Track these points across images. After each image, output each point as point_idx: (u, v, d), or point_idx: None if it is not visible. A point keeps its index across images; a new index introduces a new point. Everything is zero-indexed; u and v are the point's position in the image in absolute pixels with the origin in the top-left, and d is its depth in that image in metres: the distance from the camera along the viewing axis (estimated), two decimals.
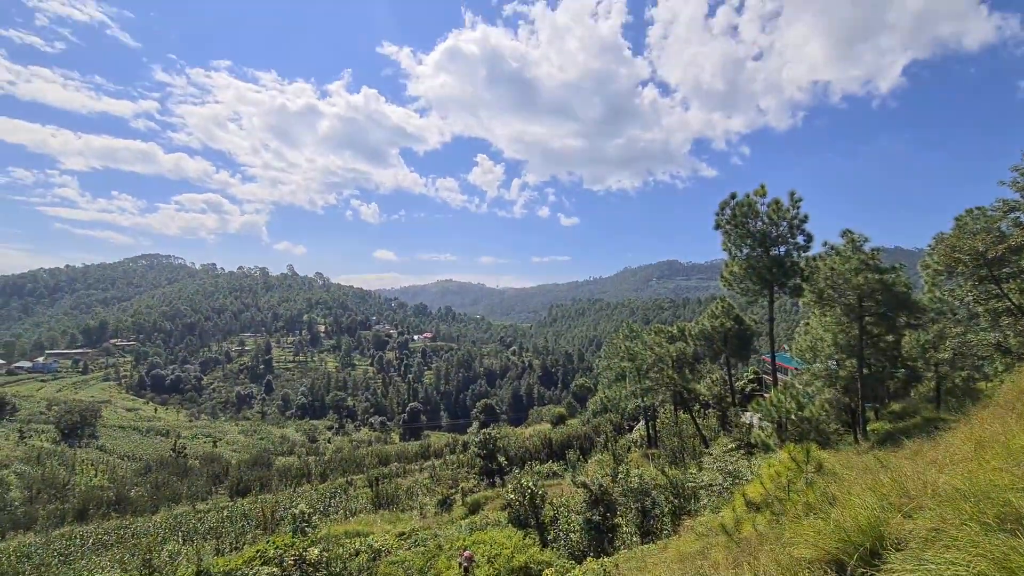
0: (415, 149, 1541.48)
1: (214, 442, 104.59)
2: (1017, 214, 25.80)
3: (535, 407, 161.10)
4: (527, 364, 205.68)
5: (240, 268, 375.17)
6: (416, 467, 57.23)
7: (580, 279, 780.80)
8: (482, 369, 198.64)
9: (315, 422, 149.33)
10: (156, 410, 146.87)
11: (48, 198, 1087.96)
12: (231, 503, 45.73)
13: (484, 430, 45.99)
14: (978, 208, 28.88)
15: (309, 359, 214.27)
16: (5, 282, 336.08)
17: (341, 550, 18.07)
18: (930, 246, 31.97)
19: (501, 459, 38.42)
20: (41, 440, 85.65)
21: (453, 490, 34.34)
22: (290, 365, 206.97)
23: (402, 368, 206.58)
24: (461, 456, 55.88)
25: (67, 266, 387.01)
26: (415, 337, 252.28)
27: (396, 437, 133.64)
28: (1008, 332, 25.69)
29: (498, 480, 37.40)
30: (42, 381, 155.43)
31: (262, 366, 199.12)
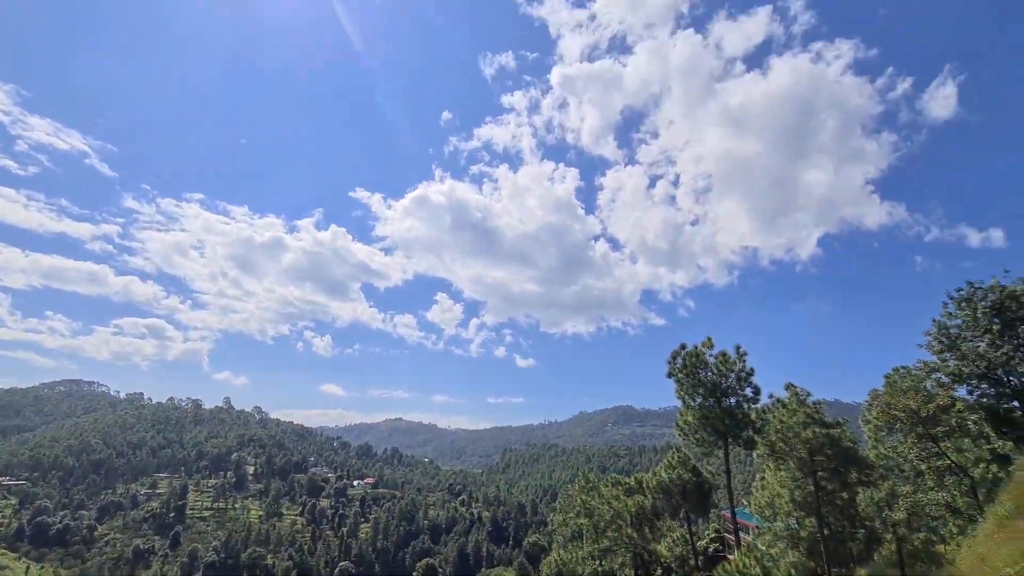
0: (377, 285, 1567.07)
1: None
2: (938, 375, 28.01)
3: (483, 568, 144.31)
4: (476, 516, 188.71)
5: (170, 399, 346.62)
6: None
7: (535, 422, 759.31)
8: (426, 522, 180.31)
9: None
10: (28, 569, 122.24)
11: None
12: None
13: None
14: (903, 367, 31.28)
15: (230, 506, 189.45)
16: None
17: None
18: (867, 401, 33.73)
19: None
20: None
21: None
22: (206, 513, 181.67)
23: (336, 519, 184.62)
24: None
25: None
26: (355, 483, 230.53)
27: None
28: (955, 492, 26.19)
29: None
30: None
31: (173, 513, 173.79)
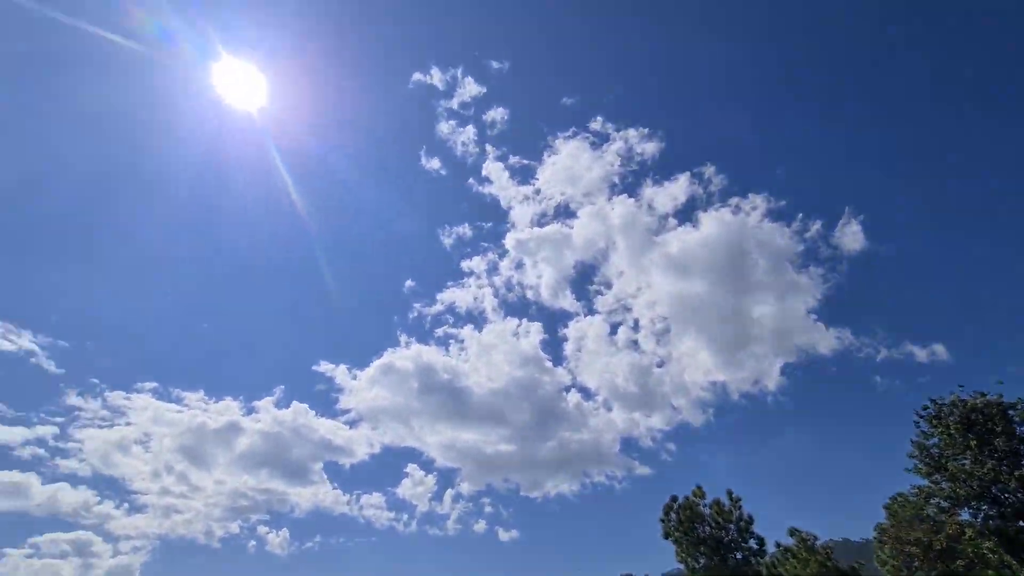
0: (341, 462, 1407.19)
1: None
2: (936, 499, 27.04)
3: None
4: None
5: None
6: None
7: None
8: None
9: None
10: None
11: None
12: None
13: None
14: (900, 495, 30.16)
15: None
16: None
17: None
18: (876, 537, 31.64)
19: None
20: None
21: None
22: None
23: None
24: None
25: None
26: None
27: None
28: None
29: None
30: None
31: None
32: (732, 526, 28.76)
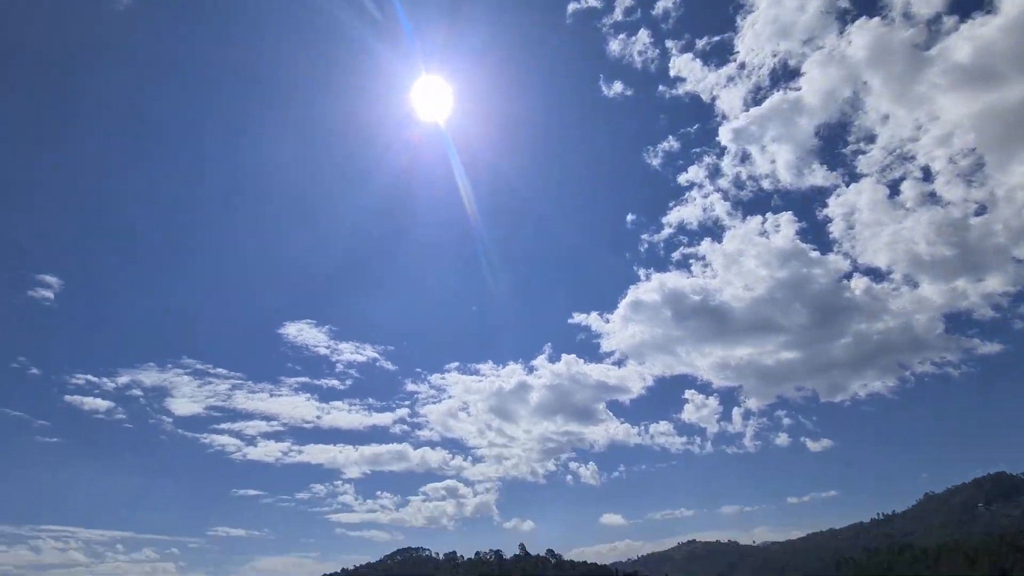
0: (620, 400, 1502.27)
1: None
2: None
3: None
4: None
5: (477, 554, 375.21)
6: None
7: (865, 519, 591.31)
8: None
9: None
10: None
11: (334, 506, 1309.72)
12: None
13: None
14: None
15: None
16: None
17: None
18: None
19: None
20: None
21: None
22: None
23: None
24: None
25: (343, 569, 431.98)
26: None
27: None
28: None
29: None
30: None
31: None
32: None
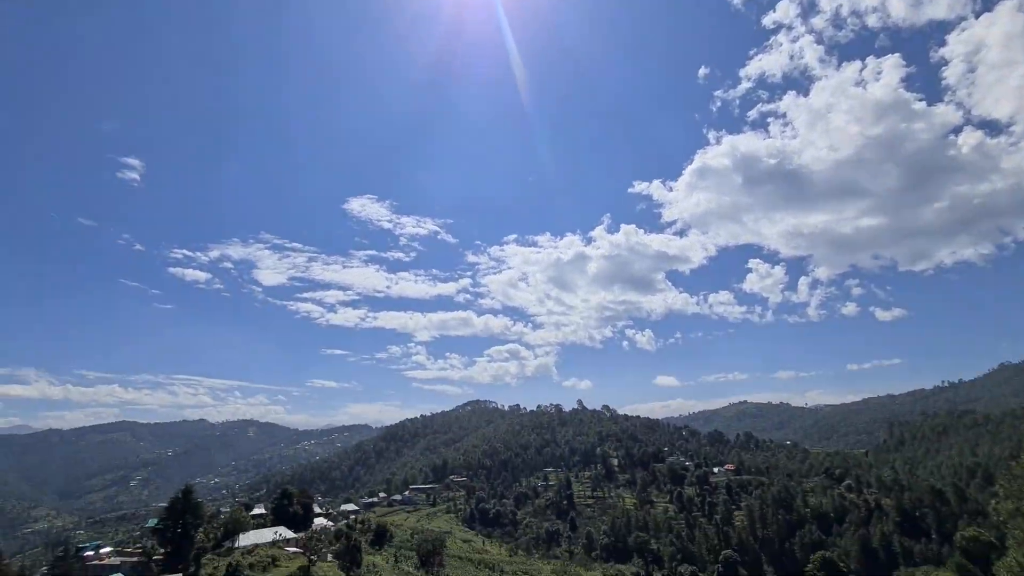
0: (680, 269, 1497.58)
1: None
2: None
3: (901, 566, 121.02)
4: (873, 505, 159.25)
5: (538, 407, 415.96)
6: None
7: (927, 386, 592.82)
8: (808, 510, 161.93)
9: (620, 566, 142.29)
10: (484, 543, 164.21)
11: (409, 364, 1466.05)
12: None
13: None
14: None
15: (606, 494, 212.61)
16: (388, 432, 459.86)
17: None
18: None
19: None
20: (407, 566, 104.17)
21: None
22: (589, 501, 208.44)
23: (705, 506, 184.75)
24: None
25: (421, 415, 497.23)
26: (715, 469, 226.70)
27: None
28: None
29: None
30: (407, 512, 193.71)
31: (564, 501, 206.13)
32: None
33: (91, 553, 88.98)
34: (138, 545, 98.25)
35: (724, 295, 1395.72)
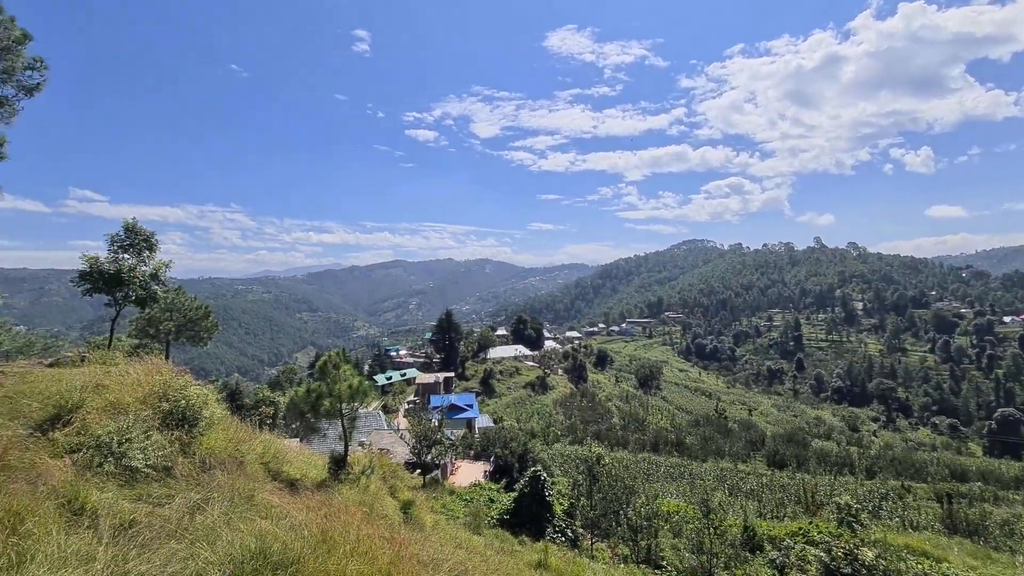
0: (991, 56, 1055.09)
1: (749, 411, 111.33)
2: None
3: None
4: None
5: (764, 245, 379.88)
6: (1016, 496, 42.14)
7: None
8: None
9: (855, 410, 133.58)
10: (700, 374, 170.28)
11: (620, 205, 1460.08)
12: (768, 472, 47.58)
13: None
14: None
15: (844, 339, 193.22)
16: (603, 270, 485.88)
17: (903, 565, 15.51)
18: None
19: None
20: (627, 386, 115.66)
21: None
22: (822, 344, 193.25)
23: (982, 360, 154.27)
24: None
25: (635, 255, 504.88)
26: (1005, 319, 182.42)
27: (976, 449, 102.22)
28: None
29: None
30: (624, 341, 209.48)
31: (791, 343, 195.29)
32: None
33: (394, 353, 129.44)
34: (422, 351, 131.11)
35: None
